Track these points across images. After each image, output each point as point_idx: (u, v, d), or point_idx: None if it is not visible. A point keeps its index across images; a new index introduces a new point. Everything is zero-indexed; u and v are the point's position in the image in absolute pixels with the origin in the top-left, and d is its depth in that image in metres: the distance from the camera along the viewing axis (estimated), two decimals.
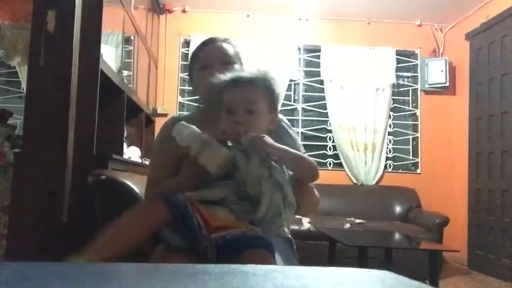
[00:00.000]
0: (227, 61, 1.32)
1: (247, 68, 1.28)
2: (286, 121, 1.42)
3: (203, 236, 0.96)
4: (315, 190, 1.26)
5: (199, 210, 0.99)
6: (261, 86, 1.13)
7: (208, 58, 1.34)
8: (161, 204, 0.97)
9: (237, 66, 1.34)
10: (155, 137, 4.21)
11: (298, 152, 1.15)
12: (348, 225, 3.43)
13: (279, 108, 1.29)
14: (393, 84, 4.39)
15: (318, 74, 4.39)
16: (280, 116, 1.34)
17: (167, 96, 4.27)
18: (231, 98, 1.11)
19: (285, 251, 1.25)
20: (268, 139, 1.05)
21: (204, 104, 1.43)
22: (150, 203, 1.00)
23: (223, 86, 1.14)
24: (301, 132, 4.39)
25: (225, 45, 1.37)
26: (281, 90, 1.26)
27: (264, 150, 1.03)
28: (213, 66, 1.31)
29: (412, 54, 4.53)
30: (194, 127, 1.10)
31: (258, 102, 1.11)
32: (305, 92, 4.51)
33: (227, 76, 1.15)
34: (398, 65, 4.44)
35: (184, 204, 0.97)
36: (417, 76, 4.49)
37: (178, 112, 4.30)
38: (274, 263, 0.95)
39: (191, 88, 1.45)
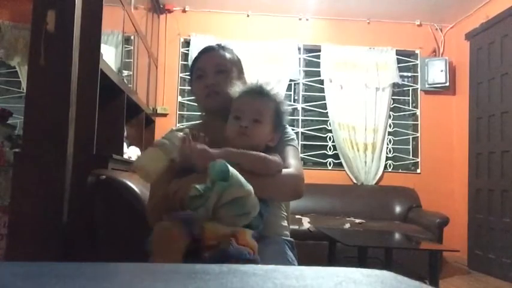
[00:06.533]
0: (221, 70, 1.34)
1: (265, 83, 1.29)
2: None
3: (198, 253, 0.96)
4: (291, 174, 1.20)
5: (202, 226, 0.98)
6: (272, 103, 1.23)
7: (202, 68, 1.36)
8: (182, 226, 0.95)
9: (233, 73, 1.35)
10: (155, 137, 4.21)
11: (244, 153, 1.13)
12: (348, 225, 3.43)
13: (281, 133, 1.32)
14: (393, 84, 4.40)
15: (318, 74, 4.39)
16: None
17: (167, 96, 4.27)
18: (241, 104, 1.21)
19: (283, 253, 1.24)
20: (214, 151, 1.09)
21: (205, 113, 1.44)
22: (171, 229, 0.96)
23: (237, 94, 1.23)
24: (301, 132, 4.39)
25: (220, 53, 1.38)
26: (286, 118, 1.29)
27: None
28: (207, 75, 1.33)
29: (412, 54, 4.54)
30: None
31: (265, 116, 1.21)
32: (305, 91, 4.51)
33: (243, 86, 1.25)
34: (399, 65, 4.43)
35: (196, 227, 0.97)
36: (417, 76, 4.50)
37: (178, 112, 4.30)
38: None
39: (193, 98, 1.46)
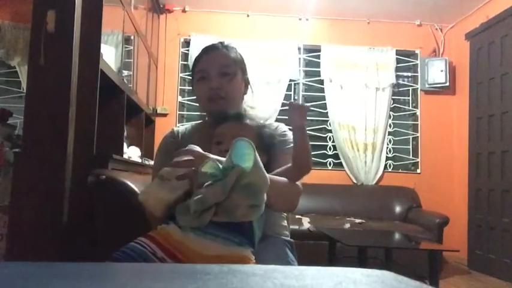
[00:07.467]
0: (225, 72, 1.30)
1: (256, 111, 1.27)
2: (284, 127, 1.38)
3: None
4: (295, 185, 1.15)
5: (171, 248, 0.91)
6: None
7: (205, 70, 1.31)
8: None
9: (237, 75, 1.32)
10: (155, 137, 4.19)
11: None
12: (348, 225, 3.43)
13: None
14: (393, 84, 4.39)
15: (318, 74, 4.39)
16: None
17: (167, 96, 4.27)
18: (221, 130, 1.16)
19: (283, 253, 1.24)
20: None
21: (206, 114, 1.41)
22: None
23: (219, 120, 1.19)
24: None
25: (223, 52, 1.33)
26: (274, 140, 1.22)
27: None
28: (210, 78, 1.29)
29: (412, 54, 4.54)
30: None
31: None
32: (305, 92, 4.51)
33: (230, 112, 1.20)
34: (398, 65, 4.44)
35: (144, 255, 0.89)
36: (417, 76, 4.50)
37: (178, 112, 4.30)
38: None
39: (194, 98, 1.43)
